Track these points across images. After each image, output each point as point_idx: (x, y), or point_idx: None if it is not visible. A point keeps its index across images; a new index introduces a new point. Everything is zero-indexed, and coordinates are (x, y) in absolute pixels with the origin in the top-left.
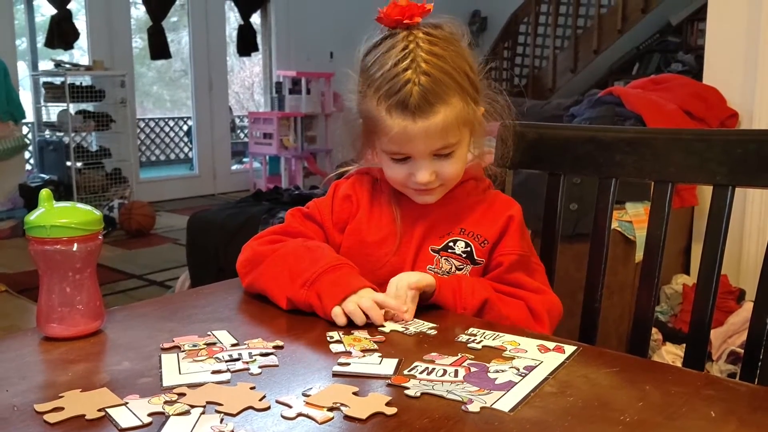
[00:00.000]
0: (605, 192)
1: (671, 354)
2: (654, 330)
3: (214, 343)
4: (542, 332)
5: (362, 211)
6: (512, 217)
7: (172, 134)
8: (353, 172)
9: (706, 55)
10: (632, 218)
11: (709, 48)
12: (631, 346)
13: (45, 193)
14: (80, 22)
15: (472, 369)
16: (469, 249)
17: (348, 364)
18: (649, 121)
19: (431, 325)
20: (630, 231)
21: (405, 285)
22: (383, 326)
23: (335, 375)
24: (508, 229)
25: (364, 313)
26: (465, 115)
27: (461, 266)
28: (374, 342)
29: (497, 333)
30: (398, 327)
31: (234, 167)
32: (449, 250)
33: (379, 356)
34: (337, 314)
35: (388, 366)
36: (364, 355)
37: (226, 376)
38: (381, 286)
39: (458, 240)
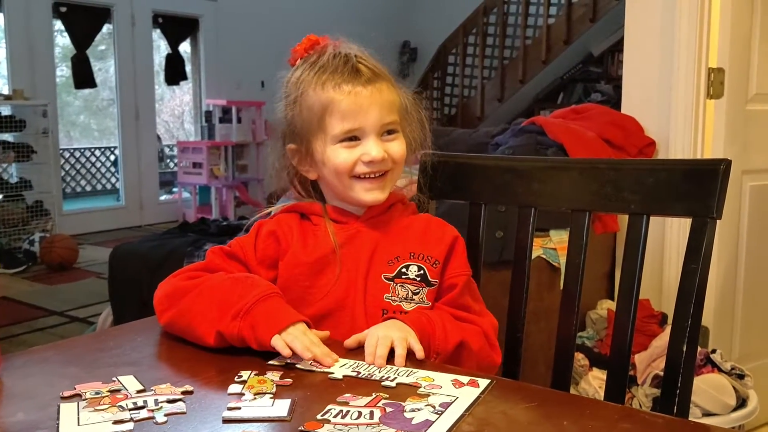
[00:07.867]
0: (525, 220)
1: (597, 379)
2: (581, 355)
3: (119, 390)
4: (496, 356)
5: (295, 245)
6: (458, 238)
7: (98, 164)
8: (278, 210)
9: (624, 84)
10: (556, 245)
11: (626, 78)
12: (554, 374)
13: None
14: (0, 50)
15: (388, 409)
16: (422, 272)
17: (238, 408)
18: (570, 150)
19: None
20: (554, 258)
21: (388, 343)
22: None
23: (225, 421)
24: (455, 249)
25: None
26: (400, 105)
27: (417, 290)
28: (278, 385)
29: (411, 369)
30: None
31: (163, 197)
32: (403, 276)
33: (270, 398)
34: (280, 345)
35: (281, 407)
36: (255, 398)
37: (129, 426)
38: (324, 317)
39: (410, 264)
